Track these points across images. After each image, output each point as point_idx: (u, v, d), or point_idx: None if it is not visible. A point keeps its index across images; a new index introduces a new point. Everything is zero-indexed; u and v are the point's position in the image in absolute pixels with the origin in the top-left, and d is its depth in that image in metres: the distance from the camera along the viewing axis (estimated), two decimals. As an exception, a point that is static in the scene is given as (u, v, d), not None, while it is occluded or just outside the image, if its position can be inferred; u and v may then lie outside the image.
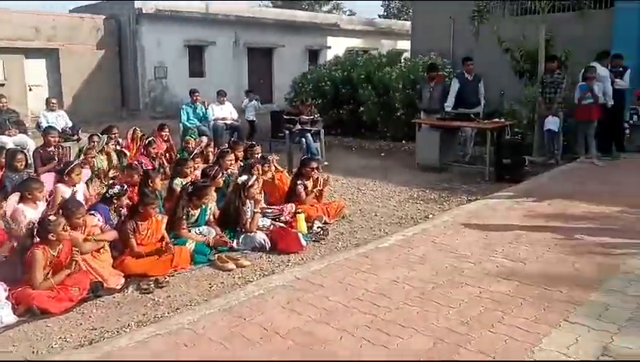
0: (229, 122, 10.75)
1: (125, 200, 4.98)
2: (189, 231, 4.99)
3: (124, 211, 4.87)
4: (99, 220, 4.56)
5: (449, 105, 8.68)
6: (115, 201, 4.84)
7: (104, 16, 17.04)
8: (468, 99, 8.75)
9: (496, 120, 8.36)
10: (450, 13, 12.76)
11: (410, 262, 4.43)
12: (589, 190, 6.72)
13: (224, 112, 10.91)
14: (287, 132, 9.05)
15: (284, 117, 9.52)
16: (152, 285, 4.12)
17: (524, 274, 4.10)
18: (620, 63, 8.71)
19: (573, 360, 2.90)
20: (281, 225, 5.44)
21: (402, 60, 13.26)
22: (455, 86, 8.79)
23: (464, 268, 4.23)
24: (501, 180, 7.46)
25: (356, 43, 21.77)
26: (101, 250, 4.33)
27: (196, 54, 18.25)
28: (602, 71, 8.31)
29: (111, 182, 5.81)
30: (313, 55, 21.63)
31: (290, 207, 5.73)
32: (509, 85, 10.70)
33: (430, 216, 6.00)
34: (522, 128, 9.45)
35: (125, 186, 5.07)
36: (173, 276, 4.38)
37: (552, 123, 8.28)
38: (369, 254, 4.65)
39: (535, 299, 3.65)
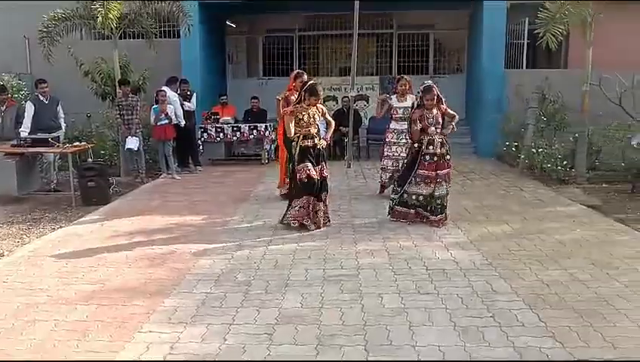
0: None
1: None
2: None
3: None
4: None
5: (25, 130, 8.04)
6: None
7: None
8: (46, 123, 8.27)
9: (78, 143, 8.21)
10: (23, 31, 11.86)
11: (-25, 311, 3.93)
12: (169, 203, 7.36)
13: None
14: None
15: None
16: None
17: (103, 296, 4.16)
18: (187, 88, 9.82)
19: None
20: None
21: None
22: (30, 110, 8.19)
23: (39, 303, 4.01)
24: (88, 204, 7.37)
25: None
26: None
27: None
28: (172, 95, 9.20)
29: None
30: None
31: None
32: (96, 108, 10.69)
33: (6, 253, 5.44)
34: (108, 150, 9.60)
35: None
36: None
37: (132, 143, 8.71)
38: None
39: (112, 318, 3.75)
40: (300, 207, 5.89)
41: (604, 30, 8.56)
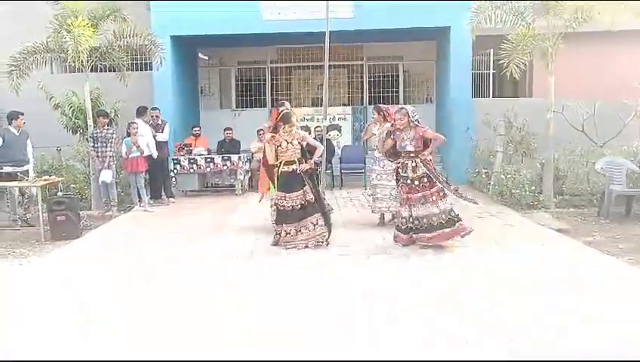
0: None
1: None
2: None
3: None
4: None
5: (-7, 163, 7.90)
6: None
7: None
8: (16, 156, 8.14)
9: (47, 177, 8.11)
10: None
11: None
12: (140, 236, 7.29)
13: None
14: None
15: None
16: None
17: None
18: (157, 114, 9.82)
19: None
20: None
21: None
22: (-1, 142, 8.08)
23: None
24: (58, 239, 7.23)
25: None
26: None
27: None
28: (144, 125, 9.20)
29: None
30: None
31: None
32: (66, 141, 10.59)
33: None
34: (79, 183, 9.49)
35: None
36: None
37: (106, 176, 8.68)
38: None
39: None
40: (277, 234, 6.34)
41: (565, 59, 8.88)
